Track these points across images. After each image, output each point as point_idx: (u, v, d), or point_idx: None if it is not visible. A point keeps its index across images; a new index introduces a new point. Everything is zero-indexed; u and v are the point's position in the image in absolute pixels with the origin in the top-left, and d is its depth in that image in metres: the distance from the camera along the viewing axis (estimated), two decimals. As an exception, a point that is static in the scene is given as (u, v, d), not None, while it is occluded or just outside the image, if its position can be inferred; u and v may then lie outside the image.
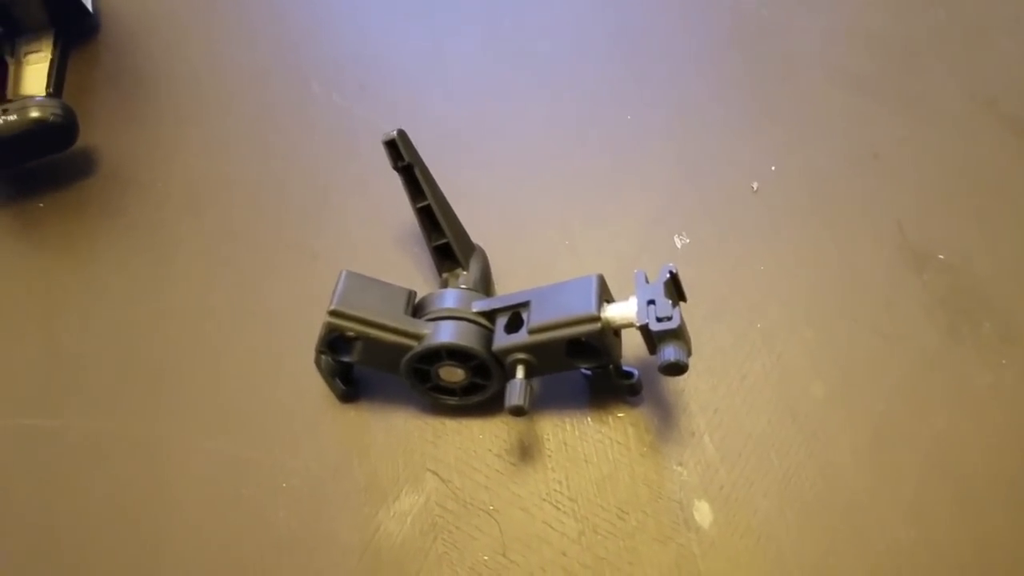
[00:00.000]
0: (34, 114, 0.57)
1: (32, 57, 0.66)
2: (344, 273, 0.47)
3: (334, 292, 0.45)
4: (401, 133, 0.48)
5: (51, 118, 0.58)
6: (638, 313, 0.42)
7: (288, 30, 0.72)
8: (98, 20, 0.73)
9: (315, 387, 0.50)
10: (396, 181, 0.50)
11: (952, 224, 0.56)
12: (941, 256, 0.54)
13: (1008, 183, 0.58)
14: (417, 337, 0.45)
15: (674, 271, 0.43)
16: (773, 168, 0.59)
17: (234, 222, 0.60)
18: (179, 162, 0.63)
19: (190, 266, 0.58)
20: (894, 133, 0.61)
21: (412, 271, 0.55)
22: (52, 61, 0.66)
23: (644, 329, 0.42)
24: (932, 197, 0.57)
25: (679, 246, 0.56)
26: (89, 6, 0.71)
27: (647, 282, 0.43)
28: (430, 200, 0.50)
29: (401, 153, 0.48)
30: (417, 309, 0.47)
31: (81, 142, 0.62)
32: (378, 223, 0.58)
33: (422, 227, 0.51)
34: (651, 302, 0.42)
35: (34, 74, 0.65)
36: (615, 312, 0.43)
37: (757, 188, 0.58)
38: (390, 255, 0.57)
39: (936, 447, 0.47)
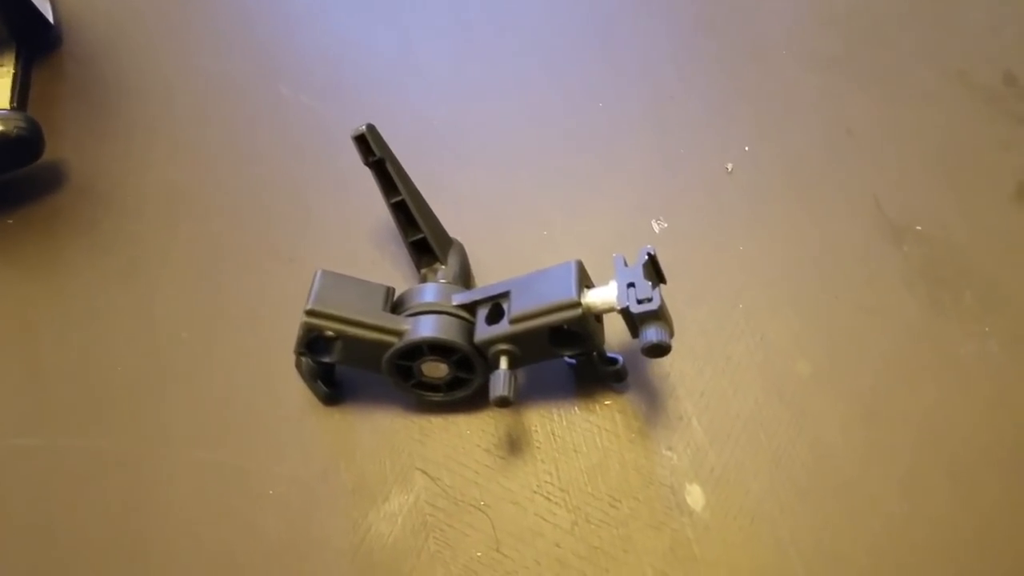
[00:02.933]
0: (-3, 128, 0.56)
1: (-7, 72, 0.65)
2: (319, 272, 0.46)
3: (310, 292, 0.45)
4: (370, 127, 0.48)
5: (15, 131, 0.57)
6: (618, 296, 0.42)
7: (255, 34, 0.71)
8: (61, 32, 0.72)
9: (298, 391, 0.50)
10: (370, 180, 0.50)
11: (928, 195, 0.56)
12: (919, 228, 0.54)
13: (981, 152, 0.58)
14: (397, 333, 0.44)
15: (652, 253, 0.43)
16: (747, 149, 0.59)
17: (209, 230, 0.59)
18: (150, 172, 0.62)
19: (166, 276, 0.57)
20: (866, 109, 0.61)
21: (390, 269, 0.55)
22: (15, 75, 0.65)
23: (625, 312, 0.41)
24: (907, 170, 0.57)
25: (657, 231, 0.56)
26: (51, 18, 0.70)
27: (626, 266, 0.43)
28: (404, 195, 0.49)
29: (371, 148, 0.48)
30: (396, 305, 0.47)
31: (49, 156, 0.60)
32: (354, 222, 0.57)
33: (397, 223, 0.51)
34: (631, 285, 0.42)
35: (-4, 89, 0.64)
36: (596, 297, 0.43)
37: (732, 169, 0.58)
38: (368, 253, 0.56)
39: (925, 419, 0.47)
